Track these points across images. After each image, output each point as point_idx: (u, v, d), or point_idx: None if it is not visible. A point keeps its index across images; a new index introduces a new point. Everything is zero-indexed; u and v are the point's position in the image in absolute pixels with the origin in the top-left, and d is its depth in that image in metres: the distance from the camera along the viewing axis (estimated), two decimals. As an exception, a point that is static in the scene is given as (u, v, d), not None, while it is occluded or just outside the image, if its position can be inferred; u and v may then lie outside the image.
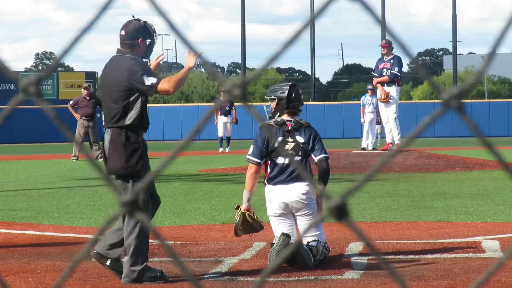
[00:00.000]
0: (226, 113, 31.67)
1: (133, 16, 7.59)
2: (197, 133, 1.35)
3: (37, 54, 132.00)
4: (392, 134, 21.51)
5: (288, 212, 8.16)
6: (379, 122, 31.86)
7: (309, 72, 66.83)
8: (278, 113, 8.36)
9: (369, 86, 28.95)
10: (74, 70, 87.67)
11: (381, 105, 21.60)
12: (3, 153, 34.86)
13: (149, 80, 7.24)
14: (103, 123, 7.60)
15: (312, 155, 8.24)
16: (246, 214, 8.16)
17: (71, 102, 26.38)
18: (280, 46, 1.31)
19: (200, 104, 62.07)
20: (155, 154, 35.58)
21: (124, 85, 7.28)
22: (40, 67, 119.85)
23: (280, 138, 8.23)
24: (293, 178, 8.12)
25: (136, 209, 1.36)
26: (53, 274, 7.62)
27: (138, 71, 7.24)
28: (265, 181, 8.27)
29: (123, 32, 7.41)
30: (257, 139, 8.28)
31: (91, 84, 40.75)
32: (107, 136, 7.34)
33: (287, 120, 8.31)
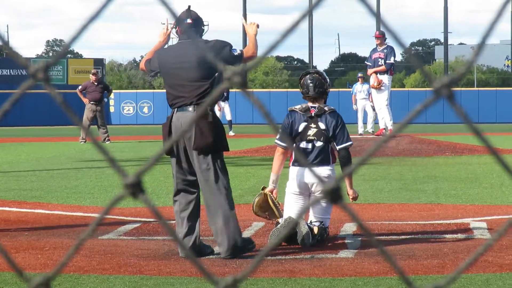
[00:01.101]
0: (224, 99, 32.16)
1: (189, 6, 7.96)
2: (199, 118, 1.41)
3: (47, 42, 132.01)
4: (385, 120, 21.69)
5: (306, 195, 8.29)
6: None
7: (307, 60, 66.89)
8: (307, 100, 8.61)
9: (360, 74, 29.15)
10: (83, 57, 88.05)
11: (374, 92, 21.87)
12: (15, 135, 35.28)
13: (236, 51, 7.75)
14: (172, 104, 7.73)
15: (335, 143, 8.39)
16: (269, 195, 8.27)
17: (79, 87, 27.60)
18: (279, 36, 1.36)
19: (201, 90, 62.30)
20: (160, 137, 35.78)
21: (211, 62, 7.70)
22: (50, 54, 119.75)
23: (303, 124, 8.39)
24: (317, 162, 8.26)
25: (139, 190, 1.41)
26: (61, 251, 7.85)
27: (224, 46, 7.72)
28: (290, 163, 8.43)
29: (189, 21, 7.83)
30: (283, 123, 8.48)
31: (99, 70, 41.81)
32: (188, 114, 7.52)
33: (312, 107, 8.47)
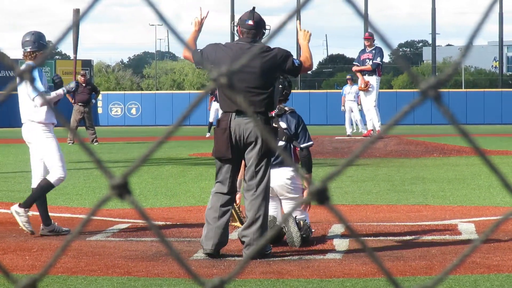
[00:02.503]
0: (216, 99, 32.06)
1: (253, 8, 7.85)
2: (186, 118, 1.40)
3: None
4: (373, 121, 21.74)
5: (274, 195, 8.31)
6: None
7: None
8: None
9: (348, 76, 29.28)
10: (71, 58, 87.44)
11: (362, 94, 21.93)
12: (2, 137, 35.23)
13: (297, 62, 7.70)
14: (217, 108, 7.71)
15: (296, 143, 8.39)
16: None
17: None
18: (266, 37, 1.37)
19: (191, 91, 62.38)
20: (148, 138, 35.61)
21: (275, 71, 7.62)
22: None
23: None
24: (278, 163, 8.25)
25: (126, 192, 1.41)
26: (49, 253, 7.85)
27: (288, 55, 7.63)
28: None
29: (251, 22, 7.68)
30: None
31: (87, 71, 41.57)
32: (250, 121, 7.48)
33: None
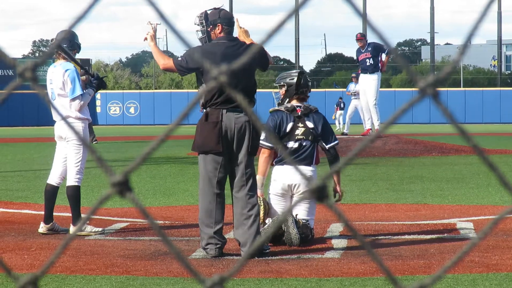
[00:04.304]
0: None
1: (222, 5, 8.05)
2: (185, 117, 1.41)
3: (34, 42, 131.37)
4: (372, 120, 21.71)
5: (288, 195, 8.32)
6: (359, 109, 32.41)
7: (293, 60, 67.03)
8: (288, 99, 8.54)
9: (353, 74, 29.29)
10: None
11: (361, 92, 21.85)
12: (1, 136, 35.19)
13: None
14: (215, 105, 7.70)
15: (323, 143, 8.43)
16: (263, 200, 8.30)
17: None
18: (265, 35, 1.37)
19: (190, 90, 62.32)
20: (147, 137, 35.52)
21: (257, 66, 7.84)
22: (37, 54, 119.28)
23: (290, 124, 8.40)
24: (299, 160, 8.27)
25: (127, 189, 1.41)
26: (47, 252, 7.85)
27: (264, 51, 7.75)
28: (273, 162, 8.45)
29: (235, 20, 7.88)
30: (268, 124, 8.43)
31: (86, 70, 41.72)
32: (242, 116, 7.60)
33: (297, 106, 8.47)
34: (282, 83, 8.62)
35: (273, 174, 8.42)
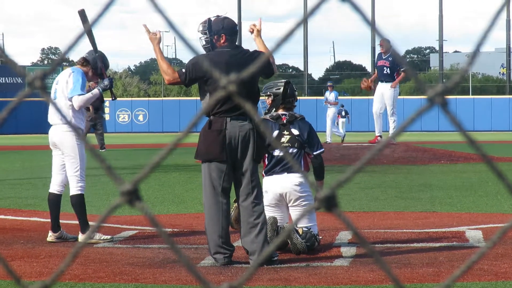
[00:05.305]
0: None
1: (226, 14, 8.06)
2: (194, 126, 1.41)
3: (43, 49, 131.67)
4: (375, 126, 21.52)
5: (283, 204, 8.34)
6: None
7: (302, 68, 67.23)
8: (274, 109, 8.57)
9: (329, 83, 29.57)
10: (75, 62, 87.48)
11: (376, 99, 21.32)
12: (10, 143, 35.35)
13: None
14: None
15: (308, 150, 8.44)
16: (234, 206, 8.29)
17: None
18: (274, 44, 1.37)
19: (199, 98, 62.40)
20: (155, 145, 35.57)
21: (260, 74, 7.83)
22: (45, 62, 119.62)
23: (276, 132, 8.42)
24: (286, 168, 8.28)
25: (136, 198, 1.42)
26: (56, 259, 7.85)
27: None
28: (263, 172, 8.45)
29: (237, 29, 7.91)
30: None
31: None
32: (246, 124, 7.63)
33: (282, 114, 8.50)
34: (268, 93, 8.64)
35: (263, 186, 8.38)
